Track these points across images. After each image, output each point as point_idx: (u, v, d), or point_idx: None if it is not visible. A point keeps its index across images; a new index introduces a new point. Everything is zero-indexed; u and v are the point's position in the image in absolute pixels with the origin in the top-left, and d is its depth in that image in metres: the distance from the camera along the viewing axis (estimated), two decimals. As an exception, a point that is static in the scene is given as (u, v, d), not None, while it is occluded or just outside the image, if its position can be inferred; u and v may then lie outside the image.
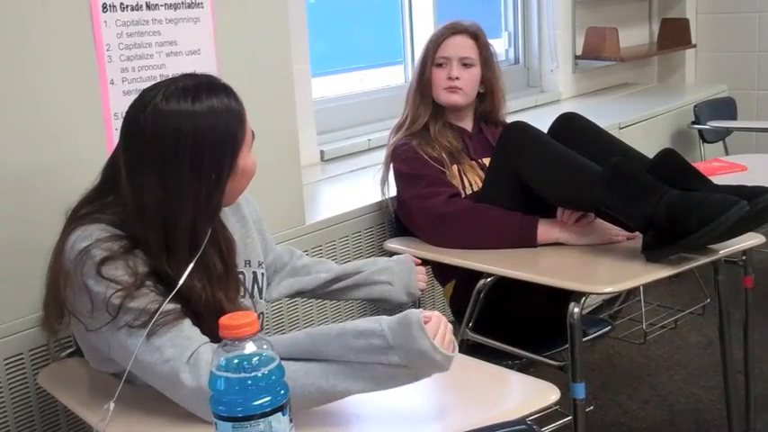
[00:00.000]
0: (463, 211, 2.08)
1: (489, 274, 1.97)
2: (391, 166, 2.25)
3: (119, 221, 1.34)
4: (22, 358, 1.67)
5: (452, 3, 3.51)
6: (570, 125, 2.15)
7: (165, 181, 1.30)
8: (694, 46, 4.60)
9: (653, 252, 1.84)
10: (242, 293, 1.48)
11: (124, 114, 1.36)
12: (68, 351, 1.61)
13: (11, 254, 1.61)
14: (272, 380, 1.07)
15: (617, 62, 4.11)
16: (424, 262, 1.99)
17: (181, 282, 1.30)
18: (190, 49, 1.83)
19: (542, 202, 2.02)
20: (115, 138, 1.41)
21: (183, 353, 1.25)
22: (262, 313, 1.59)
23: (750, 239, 1.94)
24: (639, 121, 3.54)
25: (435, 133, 2.25)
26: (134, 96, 1.37)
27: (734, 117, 4.10)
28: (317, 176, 2.72)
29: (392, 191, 2.28)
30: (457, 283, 2.19)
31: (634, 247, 1.92)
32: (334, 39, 3.23)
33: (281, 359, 1.09)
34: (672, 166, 1.90)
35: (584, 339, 2.09)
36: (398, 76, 3.41)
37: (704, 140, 3.92)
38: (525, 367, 2.07)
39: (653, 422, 2.70)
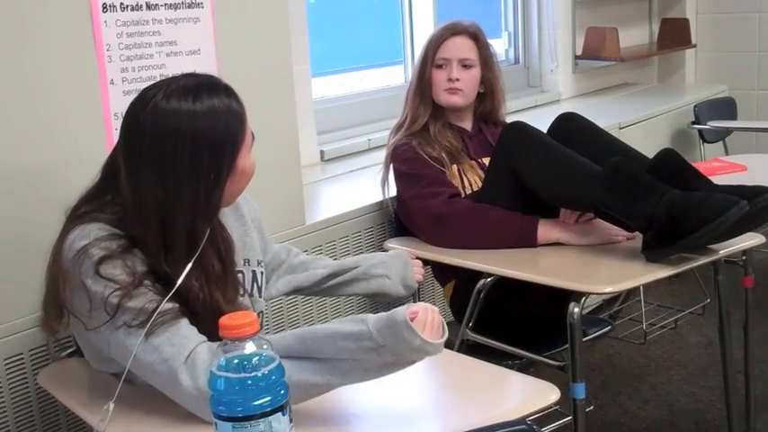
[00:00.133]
0: (463, 211, 2.08)
1: (489, 274, 1.97)
2: (391, 166, 2.25)
3: (117, 220, 1.34)
4: (22, 358, 1.67)
5: (452, 3, 3.51)
6: (570, 125, 2.15)
7: (164, 180, 1.30)
8: (694, 46, 4.60)
9: (653, 252, 1.84)
10: (241, 293, 1.48)
11: (124, 113, 1.36)
12: (68, 351, 1.61)
13: (11, 254, 1.61)
14: (272, 380, 1.07)
15: (617, 62, 4.11)
16: (425, 262, 1.99)
17: (179, 281, 1.30)
18: (190, 49, 1.83)
19: (542, 202, 2.02)
20: (115, 138, 1.41)
21: (182, 353, 1.26)
22: (261, 312, 1.59)
23: (750, 239, 1.94)
24: (639, 121, 3.54)
25: (435, 133, 2.25)
26: (134, 96, 1.37)
27: (734, 117, 4.10)
28: (317, 176, 2.72)
29: (392, 191, 2.28)
30: (457, 283, 2.19)
31: (634, 247, 1.92)
32: (334, 39, 3.23)
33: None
34: (672, 166, 1.90)
35: (584, 339, 2.09)
36: (398, 76, 3.41)
37: (704, 140, 3.92)
38: (525, 367, 2.07)
39: (653, 422, 2.70)
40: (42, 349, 1.67)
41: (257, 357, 1.07)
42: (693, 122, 3.86)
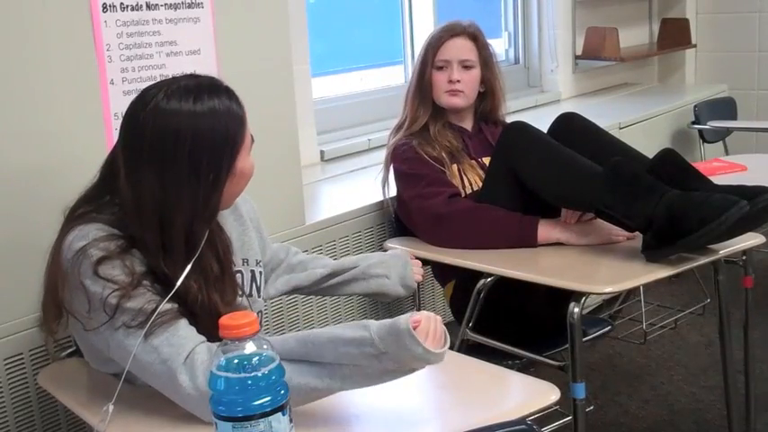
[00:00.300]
0: (463, 211, 2.08)
1: (489, 274, 1.97)
2: (391, 166, 2.25)
3: (116, 221, 1.34)
4: (22, 358, 1.67)
5: (452, 3, 3.51)
6: (570, 125, 2.15)
7: (163, 180, 1.30)
8: (694, 46, 4.60)
9: (653, 252, 1.84)
10: (240, 293, 1.48)
11: (124, 112, 1.36)
12: (68, 351, 1.61)
13: (11, 254, 1.61)
14: (272, 380, 1.07)
15: (617, 62, 4.11)
16: (424, 262, 1.99)
17: (179, 283, 1.30)
18: (190, 49, 1.83)
19: (542, 202, 2.02)
20: (115, 138, 1.41)
21: (180, 353, 1.25)
22: (260, 312, 1.59)
23: (750, 239, 1.94)
24: (639, 121, 3.54)
25: (435, 133, 2.25)
26: (134, 96, 1.37)
27: (734, 117, 4.10)
28: (317, 176, 2.72)
29: (392, 191, 2.28)
30: (457, 283, 2.19)
31: (634, 247, 1.92)
32: (334, 39, 3.23)
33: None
34: (672, 166, 1.90)
35: (584, 339, 2.09)
36: (398, 76, 3.41)
37: (704, 140, 3.92)
38: (525, 367, 2.07)
39: (653, 422, 2.70)
40: (42, 349, 1.67)
41: (257, 357, 1.07)
42: (693, 122, 3.86)
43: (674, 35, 4.48)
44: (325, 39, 3.11)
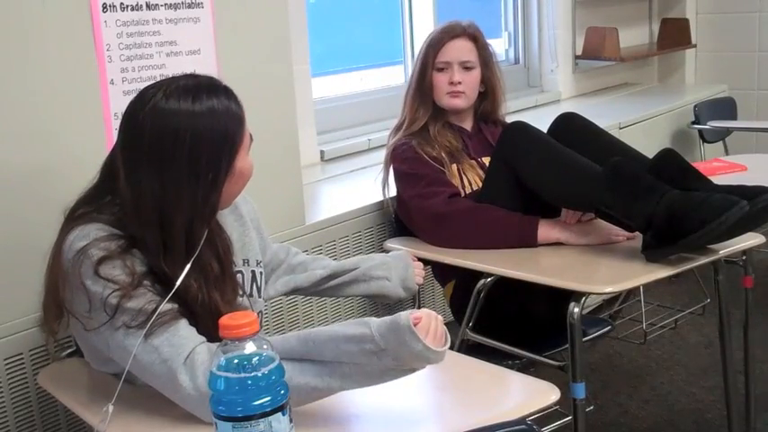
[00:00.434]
0: (463, 211, 2.08)
1: (489, 274, 1.97)
2: (391, 166, 2.25)
3: (116, 221, 1.34)
4: (22, 358, 1.67)
5: (452, 3, 3.51)
6: (570, 125, 2.15)
7: (162, 179, 1.30)
8: (694, 46, 4.60)
9: (653, 252, 1.84)
10: (240, 294, 1.48)
11: (123, 112, 1.36)
12: (68, 351, 1.61)
13: (11, 254, 1.61)
14: (272, 380, 1.07)
15: (617, 62, 4.11)
16: (425, 262, 1.99)
17: (178, 282, 1.30)
18: (190, 49, 1.83)
19: (542, 202, 2.02)
20: (115, 138, 1.41)
21: (181, 353, 1.26)
22: (260, 312, 1.59)
23: (750, 239, 1.94)
24: (639, 121, 3.54)
25: (435, 133, 2.25)
26: (134, 96, 1.37)
27: (734, 117, 4.10)
28: (317, 176, 2.72)
29: (392, 191, 2.28)
30: (457, 283, 2.19)
31: (634, 247, 1.92)
32: (334, 39, 3.23)
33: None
34: (672, 166, 1.90)
35: (584, 339, 2.09)
36: (398, 76, 3.41)
37: (704, 140, 3.92)
38: (525, 367, 2.08)
39: (653, 422, 2.70)
40: (42, 349, 1.67)
41: (257, 357, 1.07)
42: (693, 122, 3.86)
43: (674, 35, 4.48)
44: (325, 39, 3.11)
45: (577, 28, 4.06)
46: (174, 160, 1.29)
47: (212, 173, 1.32)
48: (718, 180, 1.93)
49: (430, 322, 1.23)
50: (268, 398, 1.06)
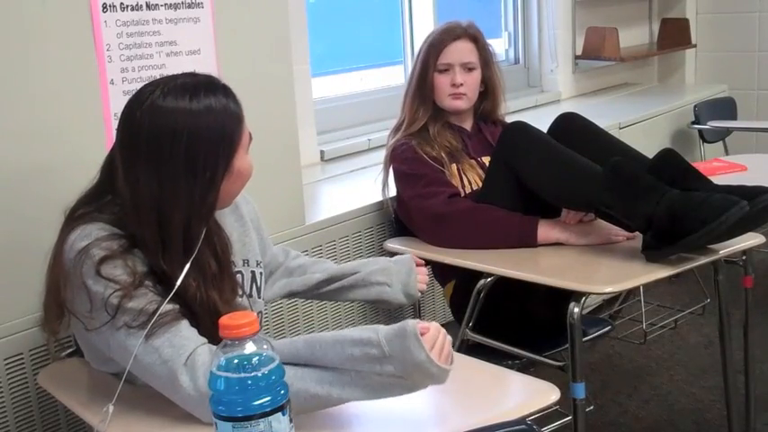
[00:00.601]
0: (463, 211, 2.08)
1: (489, 274, 1.97)
2: (391, 166, 2.25)
3: (117, 220, 1.34)
4: (22, 358, 1.67)
5: (452, 3, 3.51)
6: (570, 125, 2.15)
7: (159, 177, 1.30)
8: (694, 46, 4.60)
9: (653, 252, 1.84)
10: (240, 293, 1.47)
11: (122, 110, 1.36)
12: (68, 351, 1.61)
13: (11, 253, 1.61)
14: (272, 380, 1.07)
15: (617, 62, 4.11)
16: (425, 262, 1.99)
17: (178, 283, 1.30)
18: (190, 49, 1.83)
19: (542, 202, 2.02)
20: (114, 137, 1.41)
21: (181, 354, 1.25)
22: (260, 312, 1.59)
23: (750, 239, 1.94)
24: (639, 121, 3.54)
25: (435, 133, 2.25)
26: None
27: (734, 117, 4.10)
28: (317, 176, 2.72)
29: (392, 191, 2.28)
30: (457, 283, 2.19)
31: (634, 247, 1.92)
32: (334, 39, 3.23)
33: (278, 363, 1.09)
34: (672, 167, 1.90)
35: (584, 339, 2.09)
36: (398, 76, 3.41)
37: (704, 140, 3.92)
38: (525, 367, 2.07)
39: (653, 422, 2.70)
40: (42, 349, 1.67)
41: (257, 357, 1.07)
42: (693, 122, 3.86)
43: (674, 35, 4.48)
44: (325, 39, 3.11)
45: (577, 28, 4.06)
46: (170, 158, 1.29)
47: (210, 171, 1.32)
48: (718, 180, 1.93)
49: (437, 336, 1.22)
50: (268, 398, 1.06)
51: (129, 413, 1.31)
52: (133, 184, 1.31)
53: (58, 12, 1.61)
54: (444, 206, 2.09)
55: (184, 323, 1.30)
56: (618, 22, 4.09)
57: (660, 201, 1.80)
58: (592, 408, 2.55)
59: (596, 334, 2.27)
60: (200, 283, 1.34)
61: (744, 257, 2.35)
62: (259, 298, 1.58)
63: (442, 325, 1.25)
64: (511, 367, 1.92)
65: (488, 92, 2.33)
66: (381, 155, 2.34)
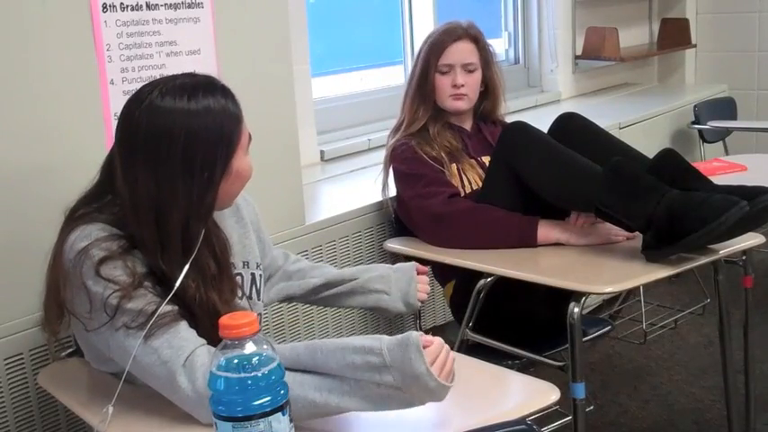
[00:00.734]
0: (463, 211, 2.08)
1: (489, 274, 1.97)
2: (391, 166, 2.25)
3: (116, 220, 1.34)
4: (22, 358, 1.67)
5: (452, 3, 3.51)
6: (570, 125, 2.15)
7: (157, 177, 1.29)
8: (694, 46, 4.60)
9: (653, 252, 1.84)
10: (239, 295, 1.47)
11: (121, 110, 1.36)
12: (68, 351, 1.61)
13: (11, 254, 1.61)
14: (272, 380, 1.07)
15: (617, 62, 4.11)
16: (425, 262, 1.99)
17: (177, 284, 1.30)
18: (190, 49, 1.83)
19: (542, 202, 2.02)
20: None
21: (180, 355, 1.25)
22: (259, 314, 1.59)
23: (750, 239, 1.94)
24: (639, 121, 3.54)
25: (434, 133, 2.25)
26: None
27: (734, 117, 4.10)
28: (317, 176, 2.72)
29: (392, 191, 2.28)
30: (457, 283, 2.19)
31: (634, 247, 1.92)
32: (334, 39, 3.23)
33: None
34: (672, 167, 1.90)
35: (584, 339, 2.09)
36: (398, 76, 3.41)
37: (704, 140, 3.92)
38: (525, 367, 2.07)
39: (653, 422, 2.70)
40: (42, 349, 1.67)
41: (257, 357, 1.07)
42: (693, 122, 3.86)
43: (674, 35, 4.48)
44: (325, 39, 3.11)
45: (577, 28, 4.06)
46: (168, 158, 1.29)
47: (207, 172, 1.31)
48: (718, 180, 1.93)
49: (440, 352, 1.21)
50: (268, 398, 1.06)
51: (129, 413, 1.31)
52: (131, 184, 1.31)
53: (58, 12, 1.61)
54: (444, 206, 2.09)
55: (183, 324, 1.30)
56: (618, 22, 4.09)
57: (660, 201, 1.80)
58: (592, 408, 2.55)
59: (596, 334, 2.27)
60: (200, 284, 1.33)
61: (744, 257, 2.36)
62: (259, 300, 1.58)
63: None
64: (511, 367, 1.92)
65: (488, 92, 2.33)
66: (381, 155, 2.34)
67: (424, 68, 2.26)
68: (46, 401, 1.70)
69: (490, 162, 2.17)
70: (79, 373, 1.50)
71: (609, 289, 1.85)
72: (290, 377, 1.14)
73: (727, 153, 3.93)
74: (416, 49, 2.37)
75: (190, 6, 1.82)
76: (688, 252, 1.84)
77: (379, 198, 2.32)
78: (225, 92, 1.36)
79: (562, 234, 2.02)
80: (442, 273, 2.27)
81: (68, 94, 1.65)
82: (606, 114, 3.49)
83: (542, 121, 2.19)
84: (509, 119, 2.33)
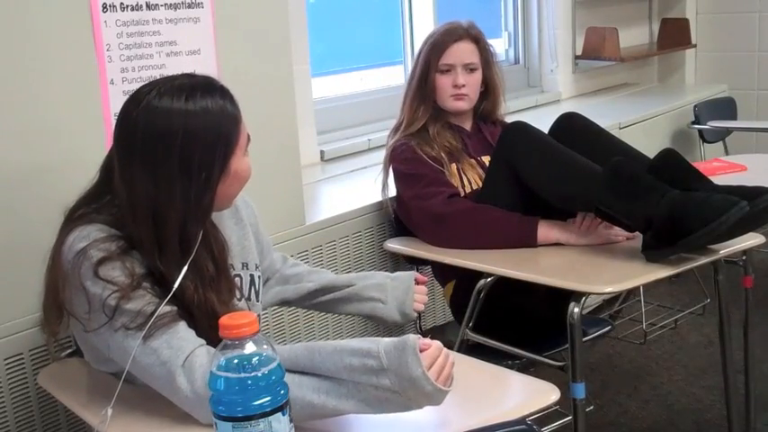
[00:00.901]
0: (462, 211, 2.07)
1: (489, 274, 1.97)
2: (390, 166, 2.25)
3: (115, 221, 1.34)
4: (22, 358, 1.67)
5: (452, 3, 3.51)
6: (570, 125, 2.15)
7: (155, 177, 1.29)
8: (694, 46, 4.60)
9: (653, 252, 1.84)
10: (238, 296, 1.47)
11: (119, 110, 1.36)
12: (68, 351, 1.61)
13: (11, 254, 1.61)
14: (271, 380, 1.07)
15: (617, 62, 4.11)
16: (425, 262, 1.99)
17: (176, 285, 1.30)
18: (190, 49, 1.83)
19: (542, 202, 2.02)
20: (114, 137, 1.41)
21: (179, 356, 1.25)
22: (258, 315, 1.58)
23: (750, 239, 1.94)
24: (639, 121, 3.54)
25: (434, 133, 2.25)
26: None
27: (734, 117, 4.11)
28: (317, 176, 2.72)
29: (392, 191, 2.28)
30: (457, 283, 2.19)
31: (634, 247, 1.92)
32: (334, 39, 3.23)
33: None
34: (672, 167, 1.90)
35: (584, 339, 2.09)
36: (398, 76, 3.41)
37: (704, 140, 3.92)
38: (525, 367, 2.07)
39: (653, 422, 2.70)
40: (42, 349, 1.67)
41: (257, 357, 1.07)
42: (693, 122, 3.86)
43: (674, 35, 4.48)
44: (325, 39, 3.11)
45: (577, 28, 4.06)
46: (166, 159, 1.29)
47: (205, 173, 1.31)
48: (718, 180, 1.93)
49: (438, 355, 1.21)
50: (268, 398, 1.06)
51: (129, 413, 1.31)
52: (129, 184, 1.31)
53: (58, 12, 1.61)
54: (444, 206, 2.09)
55: (182, 324, 1.29)
56: (618, 22, 4.09)
57: (660, 201, 1.80)
58: (592, 408, 2.55)
59: (596, 334, 2.26)
60: (198, 285, 1.33)
61: (744, 257, 2.36)
62: (257, 301, 1.58)
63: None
64: (511, 367, 1.92)
65: (488, 92, 2.33)
66: (381, 155, 2.34)
67: (424, 68, 2.26)
68: (46, 401, 1.70)
69: (490, 162, 2.17)
70: (79, 374, 1.50)
71: (609, 289, 1.85)
72: (288, 378, 1.14)
73: (727, 153, 3.93)
74: (416, 49, 2.37)
75: (190, 6, 1.82)
76: (688, 252, 1.84)
77: (378, 198, 2.32)
78: (223, 92, 1.36)
79: (562, 234, 2.02)
80: (441, 273, 2.27)
81: (68, 93, 1.65)
82: (606, 114, 3.49)
83: (542, 121, 2.19)
84: (509, 119, 2.33)
